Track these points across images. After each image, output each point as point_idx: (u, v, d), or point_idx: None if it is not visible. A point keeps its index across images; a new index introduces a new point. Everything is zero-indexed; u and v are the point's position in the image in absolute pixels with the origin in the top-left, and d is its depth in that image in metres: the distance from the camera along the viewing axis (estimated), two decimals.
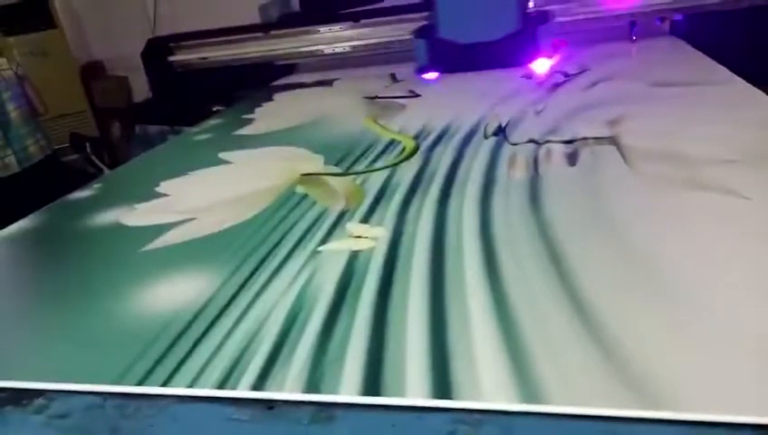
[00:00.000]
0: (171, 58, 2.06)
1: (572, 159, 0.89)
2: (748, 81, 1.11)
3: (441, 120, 1.19)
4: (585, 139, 0.96)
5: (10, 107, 1.96)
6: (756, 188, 0.69)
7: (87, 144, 2.45)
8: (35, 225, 0.98)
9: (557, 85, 1.36)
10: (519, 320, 0.51)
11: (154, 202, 0.97)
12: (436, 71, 1.61)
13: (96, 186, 1.13)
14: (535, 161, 0.90)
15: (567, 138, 0.98)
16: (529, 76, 1.48)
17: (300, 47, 1.98)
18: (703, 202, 0.69)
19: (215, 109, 1.86)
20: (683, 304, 0.50)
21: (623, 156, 0.87)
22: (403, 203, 0.82)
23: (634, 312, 0.50)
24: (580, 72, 1.42)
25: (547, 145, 0.97)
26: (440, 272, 0.61)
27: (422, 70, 1.62)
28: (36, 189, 1.67)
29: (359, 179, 0.94)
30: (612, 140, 0.93)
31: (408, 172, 0.94)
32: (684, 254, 0.58)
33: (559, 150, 0.93)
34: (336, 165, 1.03)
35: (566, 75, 1.42)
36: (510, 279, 0.58)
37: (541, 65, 1.52)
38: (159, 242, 0.81)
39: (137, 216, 0.92)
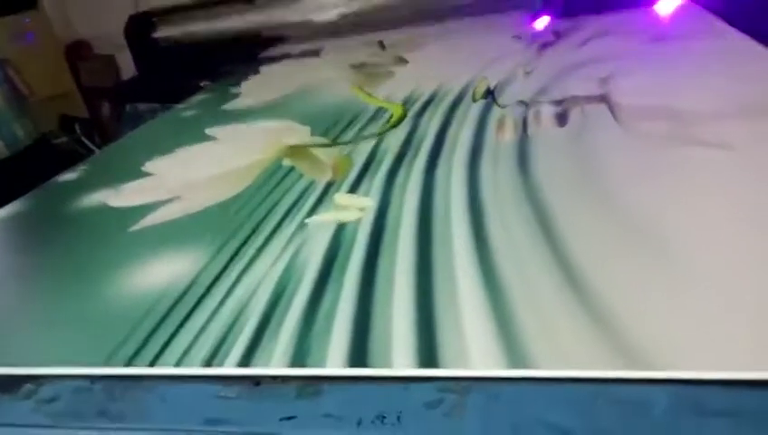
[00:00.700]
0: (155, 34, 2.01)
1: (562, 119, 0.87)
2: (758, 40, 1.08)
3: (429, 86, 1.17)
4: (575, 97, 0.94)
5: None
6: (753, 142, 0.68)
7: (76, 125, 2.41)
8: (20, 209, 0.96)
9: (547, 45, 1.33)
10: (508, 288, 0.50)
11: (140, 182, 0.96)
12: (552, 15, 1.54)
13: (82, 167, 1.11)
14: (524, 123, 0.89)
15: (557, 97, 0.96)
16: (519, 36, 1.45)
17: (286, 16, 1.94)
18: (697, 158, 0.67)
19: (202, 84, 1.83)
20: (676, 268, 0.49)
21: (614, 114, 0.85)
22: (390, 172, 0.81)
23: (625, 276, 0.49)
24: (572, 30, 1.39)
25: (537, 106, 0.95)
26: (427, 242, 0.60)
27: (535, 16, 1.54)
28: (27, 173, 1.65)
29: (346, 149, 0.92)
30: (603, 98, 0.91)
31: (395, 140, 0.93)
32: (678, 215, 0.56)
33: (548, 111, 0.91)
34: (323, 135, 1.01)
35: (557, 35, 1.39)
36: (498, 247, 0.57)
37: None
38: (146, 221, 0.80)
39: (123, 196, 0.91)
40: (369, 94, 1.21)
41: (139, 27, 2.00)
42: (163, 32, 2.02)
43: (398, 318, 0.49)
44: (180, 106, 1.45)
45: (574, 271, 0.50)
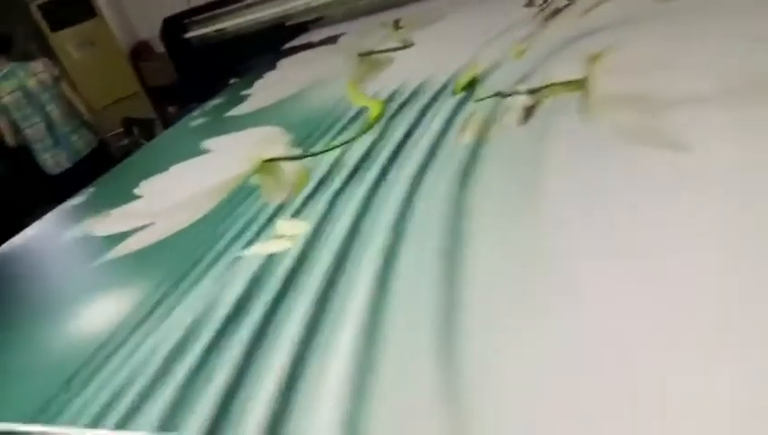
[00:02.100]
0: (187, 35, 2.07)
1: (529, 113, 0.80)
2: None
3: (420, 75, 1.11)
4: (554, 85, 0.85)
5: (50, 107, 2.07)
6: (716, 139, 0.59)
7: (135, 128, 2.55)
8: (14, 244, 1.02)
9: (556, 12, 1.22)
10: (381, 357, 0.47)
11: (127, 206, 0.99)
12: None
13: (91, 189, 1.17)
14: (490, 120, 0.82)
15: (536, 85, 0.88)
16: (530, 4, 1.34)
17: (309, 3, 1.91)
18: (648, 171, 0.59)
19: (231, 82, 1.86)
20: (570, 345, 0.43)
21: (584, 104, 0.76)
22: (339, 189, 0.78)
23: (512, 358, 0.43)
24: None
25: (511, 97, 0.87)
26: (331, 286, 0.58)
27: None
28: (88, 182, 1.76)
29: (312, 161, 0.90)
30: (581, 84, 0.82)
31: (360, 148, 0.89)
32: (598, 264, 0.50)
33: (520, 103, 0.84)
34: (301, 144, 1.00)
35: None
36: (394, 300, 0.53)
37: None
38: (114, 253, 0.83)
39: (107, 223, 0.95)
40: (358, 91, 1.17)
41: (173, 30, 2.06)
42: (194, 32, 2.07)
43: (266, 384, 0.47)
44: (194, 113, 1.49)
45: (458, 357, 0.44)
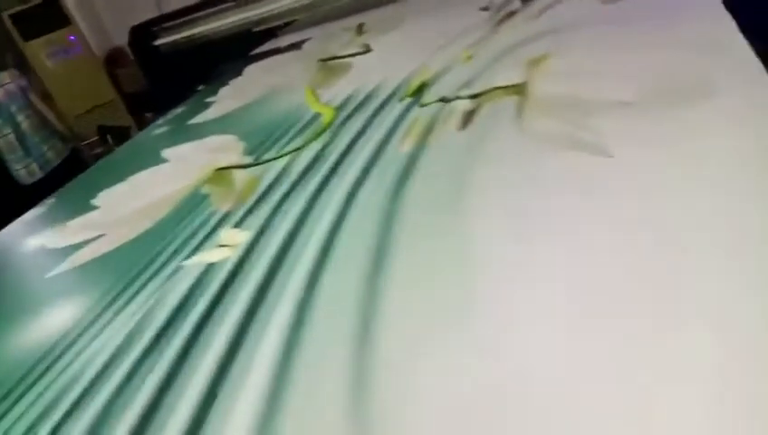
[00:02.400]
0: (157, 42, 2.07)
1: (468, 119, 0.82)
2: None
3: (374, 80, 1.13)
4: (495, 89, 0.87)
5: (20, 118, 2.07)
6: (627, 145, 0.61)
7: (108, 136, 2.55)
8: None
9: (510, 15, 1.24)
10: (296, 373, 0.48)
11: (83, 218, 1.00)
12: None
13: (51, 201, 1.18)
14: (431, 126, 0.84)
15: (478, 90, 0.90)
16: (487, 8, 1.36)
17: (274, 10, 1.92)
18: (571, 174, 0.61)
19: (198, 89, 1.86)
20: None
21: (521, 109, 0.78)
22: (282, 198, 0.79)
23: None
24: None
25: (454, 103, 0.89)
26: (261, 298, 0.59)
27: None
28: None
29: (262, 169, 0.92)
30: (520, 89, 0.84)
31: (308, 155, 0.91)
32: (525, 265, 0.51)
33: (461, 109, 0.86)
34: (254, 151, 1.01)
35: (524, 1, 1.29)
36: (315, 315, 0.54)
37: None
38: (63, 266, 0.84)
39: (62, 235, 0.96)
40: (315, 98, 1.18)
41: (142, 37, 2.06)
42: (164, 39, 2.07)
43: (184, 405, 0.48)
44: (159, 121, 1.50)
45: (370, 374, 0.44)
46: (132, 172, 1.13)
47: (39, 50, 2.98)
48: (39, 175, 2.14)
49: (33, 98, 2.11)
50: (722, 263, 0.43)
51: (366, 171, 0.78)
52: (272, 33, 2.05)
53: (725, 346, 0.37)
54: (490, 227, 0.57)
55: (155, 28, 2.06)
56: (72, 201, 1.14)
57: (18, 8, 2.94)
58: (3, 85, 2.04)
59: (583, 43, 0.94)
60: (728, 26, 0.78)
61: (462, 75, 0.99)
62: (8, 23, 2.92)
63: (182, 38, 2.07)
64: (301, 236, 0.68)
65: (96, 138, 2.73)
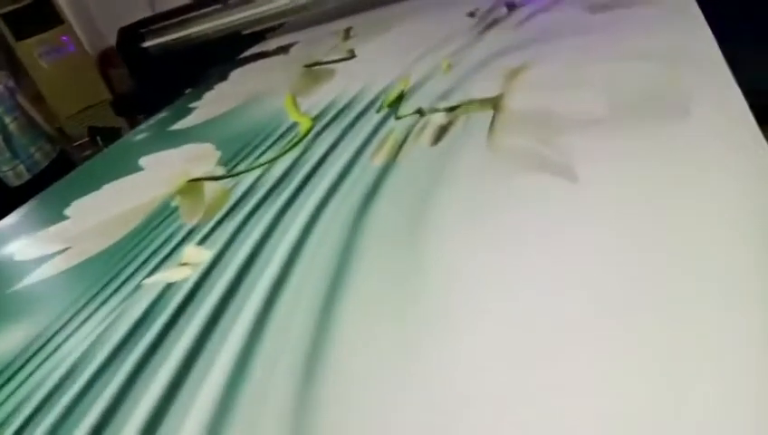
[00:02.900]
0: (145, 44, 2.05)
1: (441, 134, 0.80)
2: None
3: (354, 88, 1.11)
4: (471, 102, 0.85)
5: (7, 120, 2.05)
6: (593, 164, 0.59)
7: (98, 138, 2.53)
8: None
9: (495, 22, 1.22)
10: (241, 400, 0.46)
11: (53, 229, 0.99)
12: None
13: (24, 209, 1.16)
14: (403, 142, 0.82)
15: (455, 102, 0.88)
16: (473, 14, 1.34)
17: (264, 12, 1.90)
18: (533, 195, 0.59)
19: (186, 92, 1.84)
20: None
21: (493, 124, 0.76)
22: (249, 214, 0.78)
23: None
24: (527, 1, 1.26)
25: (430, 115, 0.87)
26: (215, 322, 0.57)
27: None
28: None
29: (233, 182, 0.90)
30: (495, 102, 0.82)
31: (280, 167, 0.89)
32: (481, 286, 0.50)
33: (436, 122, 0.84)
34: (229, 161, 0.99)
35: (510, 6, 1.27)
36: (265, 347, 0.52)
37: None
38: (27, 280, 0.82)
39: (31, 247, 0.94)
40: (295, 106, 1.16)
41: (130, 39, 2.04)
42: (152, 41, 2.05)
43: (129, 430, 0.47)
44: (141, 126, 1.48)
45: (315, 404, 0.43)
46: (109, 180, 1.11)
47: (31, 49, 2.97)
48: (27, 177, 2.12)
49: (21, 99, 2.10)
50: (695, 286, 0.42)
51: (334, 188, 0.76)
52: (261, 36, 2.03)
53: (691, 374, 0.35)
54: (448, 255, 0.55)
55: (143, 30, 2.03)
56: (45, 210, 1.12)
57: (10, 7, 2.92)
58: None
59: (563, 53, 0.92)
60: (705, 36, 0.76)
61: (441, 85, 0.97)
62: (0, 22, 2.91)
63: (171, 40, 2.05)
64: (261, 258, 0.66)
65: (87, 139, 2.71)
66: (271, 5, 1.89)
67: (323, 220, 0.69)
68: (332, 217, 0.69)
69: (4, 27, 2.90)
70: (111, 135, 2.62)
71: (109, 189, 1.08)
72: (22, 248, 0.95)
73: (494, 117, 0.78)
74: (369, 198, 0.70)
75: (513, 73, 0.89)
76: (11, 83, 2.10)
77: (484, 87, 0.89)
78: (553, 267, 0.48)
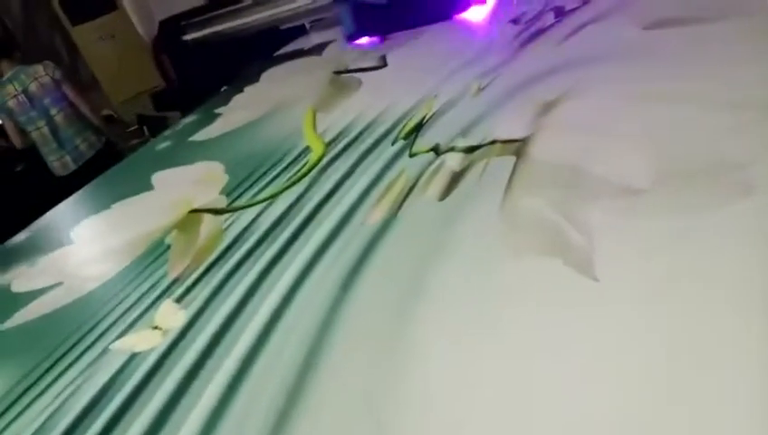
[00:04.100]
0: (185, 37, 2.01)
1: (453, 184, 0.70)
2: None
3: (376, 108, 1.02)
4: (492, 145, 0.74)
5: (53, 111, 2.07)
6: (619, 261, 0.48)
7: (144, 127, 2.53)
8: None
9: (539, 33, 1.09)
10: None
11: (54, 254, 0.96)
12: (364, 36, 1.45)
13: (35, 227, 1.14)
14: (410, 190, 0.72)
15: (476, 141, 0.77)
16: (517, 20, 1.20)
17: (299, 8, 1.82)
18: (541, 285, 0.49)
19: (222, 89, 1.80)
20: None
21: (512, 178, 0.65)
22: (235, 266, 0.71)
23: None
24: (577, 8, 1.12)
25: (445, 156, 0.77)
26: (175, 403, 0.51)
27: (351, 37, 1.47)
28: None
29: (231, 219, 0.83)
30: (519, 148, 0.71)
31: (278, 207, 0.82)
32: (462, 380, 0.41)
33: (449, 167, 0.74)
34: (232, 191, 0.93)
35: (558, 15, 1.13)
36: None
37: (477, 13, 1.27)
38: (15, 319, 0.79)
39: (29, 277, 0.91)
40: (313, 123, 1.08)
41: (170, 32, 2.01)
42: (192, 34, 2.01)
43: None
44: (166, 132, 1.44)
45: None
46: (119, 198, 1.07)
47: (87, 34, 3.01)
48: (72, 167, 2.14)
49: (68, 91, 2.10)
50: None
51: (325, 246, 0.67)
52: (302, 29, 1.96)
53: None
54: (432, 349, 0.46)
55: (184, 22, 1.99)
56: (54, 229, 1.09)
57: None
58: (37, 78, 2.04)
59: (606, 83, 0.79)
60: None
61: (466, 113, 0.86)
62: (57, 7, 2.95)
63: (212, 33, 2.00)
64: (236, 326, 0.59)
65: (136, 127, 2.73)
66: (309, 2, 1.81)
67: (308, 286, 0.62)
68: (318, 284, 0.61)
69: (60, 12, 2.95)
70: (158, 124, 2.62)
71: (116, 211, 1.04)
72: (21, 277, 0.92)
73: (514, 167, 0.67)
74: (364, 256, 0.62)
75: (546, 108, 0.77)
76: (57, 75, 2.11)
77: (511, 122, 0.78)
78: (550, 373, 0.39)
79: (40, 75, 2.09)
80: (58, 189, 2.07)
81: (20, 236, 1.11)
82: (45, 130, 2.11)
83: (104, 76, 3.02)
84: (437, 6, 1.31)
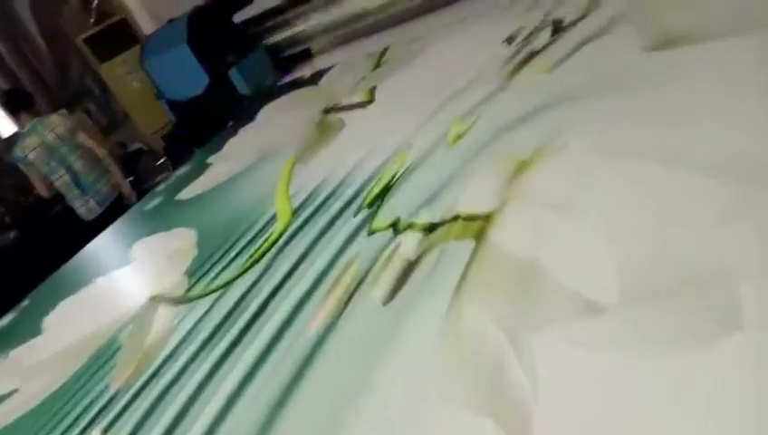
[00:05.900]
0: None
1: (403, 278, 0.60)
2: None
3: (347, 164, 0.93)
4: (453, 222, 0.64)
5: (71, 159, 2.09)
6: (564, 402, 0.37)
7: (168, 162, 2.53)
8: None
9: (531, 56, 0.96)
10: None
11: (23, 347, 0.93)
12: None
13: (16, 313, 1.12)
14: (360, 283, 0.62)
15: (439, 213, 0.67)
16: (511, 39, 1.08)
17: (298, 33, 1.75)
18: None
19: (229, 124, 1.75)
20: None
21: (464, 276, 0.55)
22: (177, 374, 0.64)
23: None
24: (578, 21, 0.98)
25: (402, 236, 0.67)
26: None
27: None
28: None
29: (181, 313, 0.76)
30: (480, 229, 0.60)
31: (231, 298, 0.74)
32: None
33: (403, 255, 0.63)
34: (198, 268, 0.86)
35: (555, 31, 1.00)
36: None
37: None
38: None
39: None
40: (288, 181, 1.00)
41: None
42: None
43: None
44: (158, 188, 1.40)
45: None
46: (100, 272, 1.03)
47: (114, 70, 3.04)
48: (98, 211, 2.16)
49: (82, 137, 2.12)
50: None
51: (263, 357, 0.60)
52: (308, 54, 1.89)
53: None
54: None
55: None
56: (31, 316, 1.06)
57: (91, 31, 3.00)
58: (53, 129, 2.06)
59: (592, 132, 0.66)
60: None
61: (436, 173, 0.76)
62: (83, 46, 3.00)
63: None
64: None
65: (164, 159, 2.74)
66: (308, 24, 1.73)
67: (243, 401, 0.54)
68: (254, 399, 0.54)
69: (87, 51, 2.99)
70: (182, 156, 2.62)
71: (87, 293, 1.01)
72: None
73: (471, 257, 0.56)
74: (299, 374, 0.54)
75: (519, 170, 0.66)
76: (71, 123, 2.13)
77: (479, 188, 0.67)
78: None
79: (55, 126, 2.11)
80: (88, 232, 2.08)
81: (4, 320, 1.10)
82: (67, 177, 2.14)
83: (135, 109, 3.05)
84: None
